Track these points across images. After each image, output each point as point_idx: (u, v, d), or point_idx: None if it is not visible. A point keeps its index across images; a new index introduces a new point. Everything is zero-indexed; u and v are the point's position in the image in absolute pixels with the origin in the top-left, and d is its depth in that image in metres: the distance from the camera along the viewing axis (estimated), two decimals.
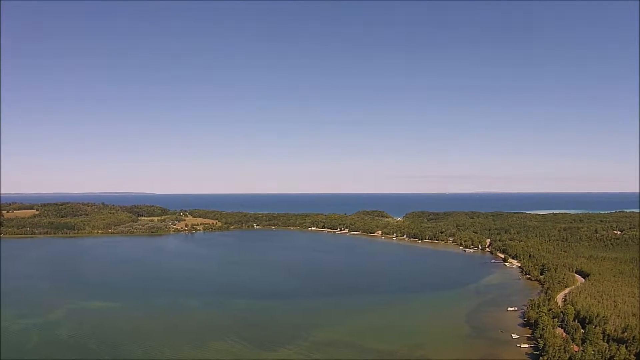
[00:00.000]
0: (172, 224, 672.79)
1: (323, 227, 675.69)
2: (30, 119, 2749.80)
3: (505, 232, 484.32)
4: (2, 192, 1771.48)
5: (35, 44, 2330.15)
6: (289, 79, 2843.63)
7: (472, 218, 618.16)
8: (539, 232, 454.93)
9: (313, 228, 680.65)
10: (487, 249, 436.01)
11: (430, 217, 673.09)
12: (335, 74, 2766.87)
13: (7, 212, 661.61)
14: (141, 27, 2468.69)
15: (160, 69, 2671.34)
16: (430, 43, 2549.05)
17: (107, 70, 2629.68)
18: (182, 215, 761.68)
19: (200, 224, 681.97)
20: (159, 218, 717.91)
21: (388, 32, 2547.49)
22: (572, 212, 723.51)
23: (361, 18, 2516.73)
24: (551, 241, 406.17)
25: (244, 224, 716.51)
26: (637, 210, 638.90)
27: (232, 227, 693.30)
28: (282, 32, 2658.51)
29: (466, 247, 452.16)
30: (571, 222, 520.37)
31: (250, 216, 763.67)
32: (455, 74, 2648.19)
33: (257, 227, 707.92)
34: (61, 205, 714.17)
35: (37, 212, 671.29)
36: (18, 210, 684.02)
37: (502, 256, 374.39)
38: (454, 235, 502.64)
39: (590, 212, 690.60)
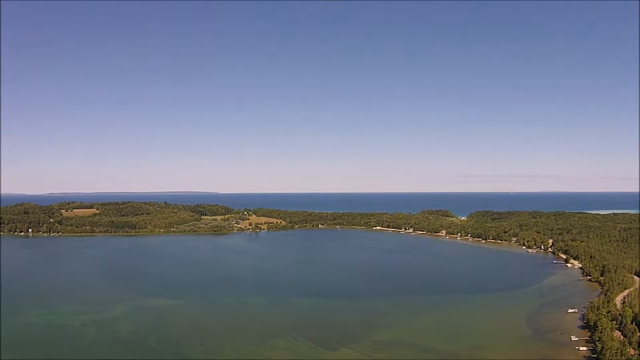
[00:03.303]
0: (235, 223, 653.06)
1: (388, 226, 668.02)
2: (92, 121, 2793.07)
3: (567, 232, 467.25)
4: (66, 192, 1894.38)
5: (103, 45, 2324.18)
6: (341, 79, 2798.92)
7: (535, 218, 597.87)
8: (600, 233, 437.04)
9: (378, 227, 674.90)
10: (550, 249, 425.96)
11: (494, 217, 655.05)
12: (390, 73, 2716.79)
13: (66, 211, 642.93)
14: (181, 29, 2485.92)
15: (231, 69, 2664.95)
16: (467, 41, 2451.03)
17: (159, 73, 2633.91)
18: (246, 214, 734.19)
19: (265, 223, 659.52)
20: (223, 217, 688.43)
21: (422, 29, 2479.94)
22: (633, 212, 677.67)
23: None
24: (611, 242, 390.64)
25: (308, 223, 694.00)
26: None
27: (297, 226, 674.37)
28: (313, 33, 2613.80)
29: (529, 247, 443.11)
30: (631, 222, 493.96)
31: (315, 215, 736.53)
32: (510, 73, 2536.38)
33: (322, 226, 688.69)
34: (122, 204, 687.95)
35: (97, 212, 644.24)
36: (77, 209, 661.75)
37: (564, 257, 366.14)
38: (517, 235, 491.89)
39: None
